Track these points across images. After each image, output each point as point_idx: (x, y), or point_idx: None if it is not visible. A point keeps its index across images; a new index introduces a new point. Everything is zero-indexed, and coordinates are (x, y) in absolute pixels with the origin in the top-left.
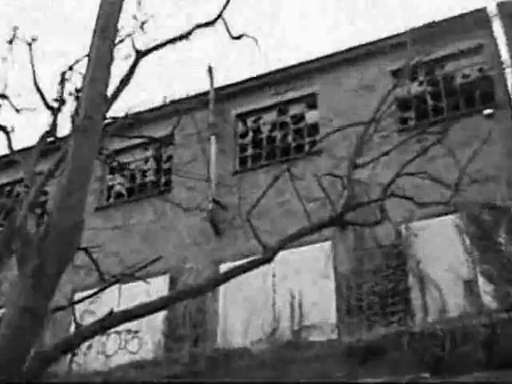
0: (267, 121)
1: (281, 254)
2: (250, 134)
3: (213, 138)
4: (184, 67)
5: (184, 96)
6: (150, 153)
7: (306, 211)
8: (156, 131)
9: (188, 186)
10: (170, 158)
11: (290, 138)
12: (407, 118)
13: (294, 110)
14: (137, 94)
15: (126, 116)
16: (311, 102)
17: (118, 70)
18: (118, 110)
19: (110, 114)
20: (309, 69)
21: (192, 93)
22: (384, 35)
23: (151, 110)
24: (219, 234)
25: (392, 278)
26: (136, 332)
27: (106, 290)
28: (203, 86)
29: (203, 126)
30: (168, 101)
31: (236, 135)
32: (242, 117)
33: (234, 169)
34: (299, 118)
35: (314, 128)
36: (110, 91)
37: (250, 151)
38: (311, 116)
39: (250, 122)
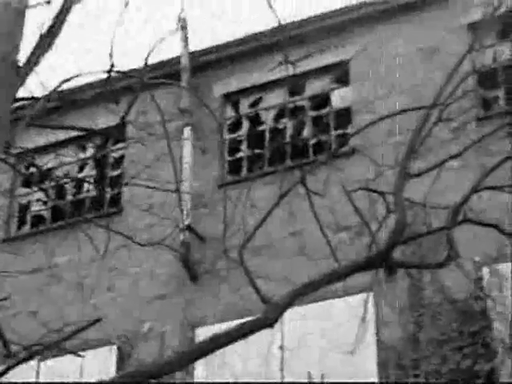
0: (272, 104)
1: (292, 312)
2: (246, 125)
3: (186, 130)
4: (140, 25)
5: (141, 66)
6: (88, 153)
7: (330, 245)
8: (97, 120)
9: (147, 206)
10: (119, 161)
11: (306, 132)
12: (491, 100)
13: (314, 87)
14: (69, 62)
15: (50, 96)
16: (340, 75)
17: (37, 20)
18: (37, 85)
19: (24, 92)
20: (337, 23)
21: (154, 60)
22: None
23: (91, 88)
24: (196, 281)
25: (469, 351)
26: None
27: (15, 371)
28: (171, 50)
29: (172, 111)
30: (116, 73)
31: (223, 126)
32: (231, 98)
33: (219, 179)
34: (322, 99)
35: (344, 115)
36: (23, 55)
37: (244, 151)
38: (340, 97)
39: (244, 106)
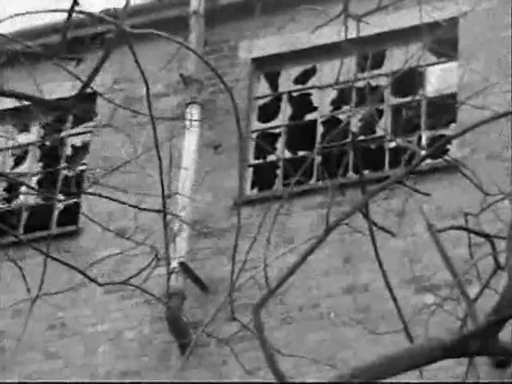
0: (329, 81)
1: None
2: (287, 111)
3: (191, 112)
4: None
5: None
6: (33, 136)
7: (400, 313)
8: (49, 86)
9: (119, 228)
10: (78, 155)
11: (381, 128)
12: None
13: (397, 59)
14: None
15: None
16: (442, 44)
17: None
18: None
19: None
20: None
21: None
22: None
23: (40, 36)
24: (185, 353)
25: None
26: None
27: None
28: None
29: (170, 82)
30: (79, 13)
31: (250, 111)
32: (266, 66)
33: (237, 193)
34: (409, 80)
35: (443, 107)
36: None
37: (280, 152)
38: (440, 78)
39: (286, 79)
